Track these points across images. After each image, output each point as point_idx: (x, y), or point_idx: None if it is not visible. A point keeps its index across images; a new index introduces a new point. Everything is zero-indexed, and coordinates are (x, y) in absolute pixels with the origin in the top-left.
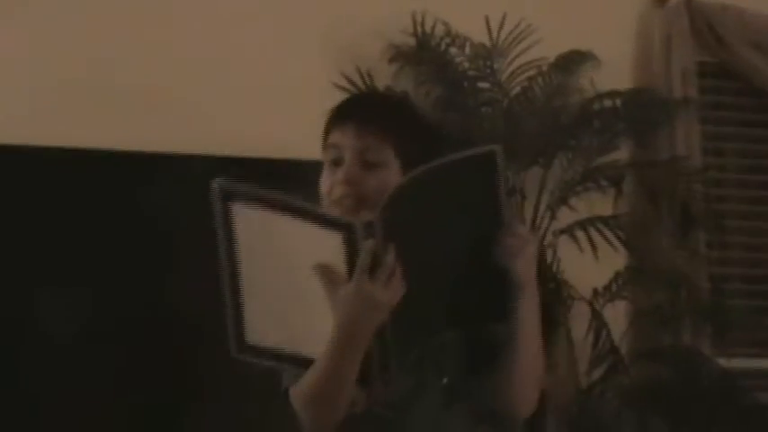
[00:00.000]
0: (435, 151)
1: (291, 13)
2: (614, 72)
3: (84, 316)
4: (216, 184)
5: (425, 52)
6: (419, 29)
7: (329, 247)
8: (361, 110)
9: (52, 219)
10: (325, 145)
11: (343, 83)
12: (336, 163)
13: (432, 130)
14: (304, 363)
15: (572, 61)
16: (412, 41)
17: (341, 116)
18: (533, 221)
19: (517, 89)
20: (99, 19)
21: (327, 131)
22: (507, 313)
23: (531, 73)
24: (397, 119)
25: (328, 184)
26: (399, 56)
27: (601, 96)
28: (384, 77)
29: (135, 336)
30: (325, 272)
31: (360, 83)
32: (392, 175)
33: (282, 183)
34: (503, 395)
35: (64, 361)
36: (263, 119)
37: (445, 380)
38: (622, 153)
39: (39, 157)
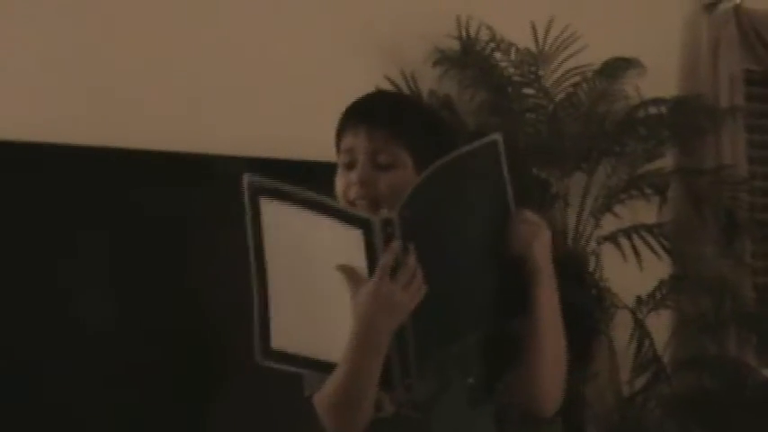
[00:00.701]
0: (449, 146)
1: (336, 15)
2: (660, 79)
3: (112, 317)
4: (246, 178)
5: (470, 56)
6: (464, 33)
7: (352, 243)
8: (372, 112)
9: (85, 216)
10: (339, 149)
11: (387, 86)
12: (350, 166)
13: (444, 125)
14: (329, 368)
15: (617, 68)
16: (456, 45)
17: (352, 119)
18: (576, 228)
19: (562, 95)
20: (117, 20)
21: (339, 136)
22: (527, 307)
23: (577, 79)
24: (408, 118)
25: (344, 183)
26: (444, 59)
27: (646, 103)
28: (428, 81)
29: (163, 336)
30: (348, 271)
31: (404, 86)
32: (407, 175)
33: (326, 186)
34: (527, 391)
35: (93, 355)
36: (307, 121)
37: (470, 379)
38: (667, 160)
39: (73, 155)
